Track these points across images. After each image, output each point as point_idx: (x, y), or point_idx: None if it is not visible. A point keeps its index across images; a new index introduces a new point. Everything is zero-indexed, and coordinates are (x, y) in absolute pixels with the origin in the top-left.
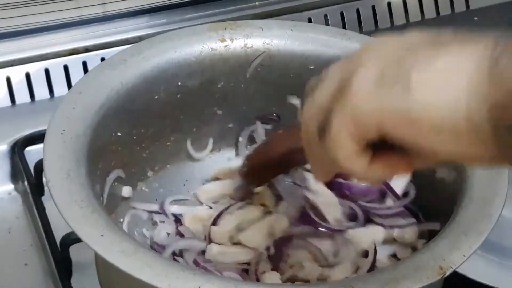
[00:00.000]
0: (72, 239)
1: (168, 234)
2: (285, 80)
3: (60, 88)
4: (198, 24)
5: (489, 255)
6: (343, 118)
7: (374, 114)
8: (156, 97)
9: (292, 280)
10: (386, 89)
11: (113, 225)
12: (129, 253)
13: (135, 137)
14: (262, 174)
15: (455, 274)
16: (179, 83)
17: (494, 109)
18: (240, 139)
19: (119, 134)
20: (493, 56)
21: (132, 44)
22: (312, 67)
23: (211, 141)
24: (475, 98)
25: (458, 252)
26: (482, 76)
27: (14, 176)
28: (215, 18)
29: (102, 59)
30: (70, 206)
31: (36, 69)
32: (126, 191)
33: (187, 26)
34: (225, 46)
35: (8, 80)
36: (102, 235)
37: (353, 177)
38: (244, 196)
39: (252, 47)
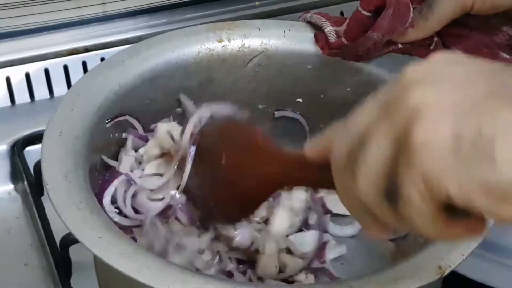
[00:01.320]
0: (72, 239)
1: None
2: (283, 80)
3: (60, 88)
4: (197, 24)
5: (489, 255)
6: (414, 180)
7: (446, 181)
8: (154, 98)
9: None
10: (462, 155)
11: (111, 226)
12: (127, 254)
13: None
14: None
15: (455, 274)
16: (177, 84)
17: None
18: None
19: (117, 135)
20: None
21: (130, 45)
22: (310, 66)
23: None
24: None
25: (457, 251)
26: None
27: (14, 176)
28: (215, 18)
29: (102, 59)
30: (68, 208)
31: (35, 69)
32: None
33: (187, 26)
34: (223, 46)
35: (8, 80)
36: (100, 237)
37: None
38: None
39: (249, 47)
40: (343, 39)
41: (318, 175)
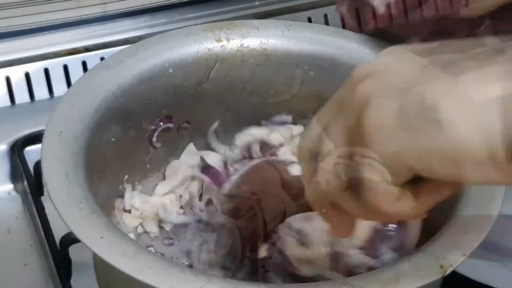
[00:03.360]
0: (71, 239)
1: None
2: (282, 79)
3: (59, 88)
4: (196, 24)
5: (489, 255)
6: (373, 165)
7: (403, 156)
8: (153, 97)
9: None
10: (411, 127)
11: (112, 226)
12: (129, 254)
13: (132, 138)
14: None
15: (455, 274)
16: (176, 84)
17: None
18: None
19: (116, 134)
20: None
21: (129, 45)
22: (307, 67)
23: (208, 141)
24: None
25: (458, 250)
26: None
27: (14, 176)
28: (215, 18)
29: (102, 59)
30: (69, 208)
31: (35, 69)
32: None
33: (187, 26)
34: (222, 46)
35: (8, 80)
36: (102, 237)
37: (398, 219)
38: None
39: (248, 47)
40: (393, 11)
41: None
